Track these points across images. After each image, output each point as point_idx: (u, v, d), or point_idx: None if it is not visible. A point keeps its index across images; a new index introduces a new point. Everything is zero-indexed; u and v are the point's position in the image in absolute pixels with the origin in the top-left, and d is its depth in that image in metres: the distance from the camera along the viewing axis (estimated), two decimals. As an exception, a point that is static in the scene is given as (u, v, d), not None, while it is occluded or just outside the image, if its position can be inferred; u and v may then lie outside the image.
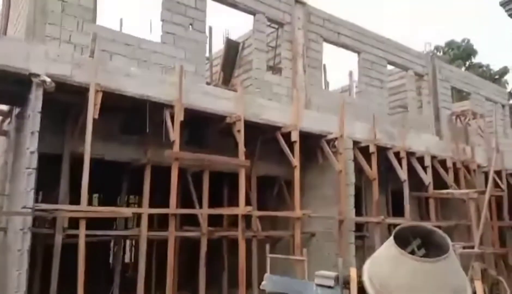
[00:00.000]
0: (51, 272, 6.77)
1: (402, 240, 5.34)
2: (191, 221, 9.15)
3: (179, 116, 7.32)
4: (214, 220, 9.32)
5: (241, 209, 7.86)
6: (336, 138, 9.64)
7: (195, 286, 8.80)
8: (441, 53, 22.12)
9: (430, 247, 5.39)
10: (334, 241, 9.78)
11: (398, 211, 12.06)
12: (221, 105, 8.20)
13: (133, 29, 9.69)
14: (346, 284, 5.47)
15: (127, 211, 6.96)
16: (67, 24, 8.08)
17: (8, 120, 7.94)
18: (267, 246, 7.97)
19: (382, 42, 14.04)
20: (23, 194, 5.86)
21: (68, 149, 7.18)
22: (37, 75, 6.17)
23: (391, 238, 5.24)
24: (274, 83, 11.00)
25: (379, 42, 13.95)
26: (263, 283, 5.09)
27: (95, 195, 14.30)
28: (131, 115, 8.08)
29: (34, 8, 7.87)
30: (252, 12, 11.13)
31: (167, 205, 8.19)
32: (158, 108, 7.56)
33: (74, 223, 7.17)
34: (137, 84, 7.24)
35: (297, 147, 8.86)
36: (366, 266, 5.60)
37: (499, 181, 13.36)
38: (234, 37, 14.32)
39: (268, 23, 11.50)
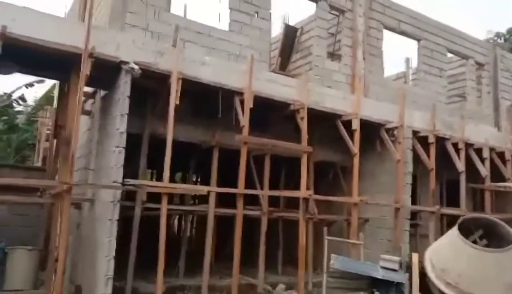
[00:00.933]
0: (127, 242, 7.53)
1: (465, 230, 5.61)
2: (249, 201, 9.68)
3: (249, 103, 7.77)
4: (271, 202, 9.80)
5: (303, 192, 8.28)
6: (396, 127, 9.80)
7: (254, 262, 9.40)
8: (503, 40, 21.24)
9: (493, 238, 5.63)
10: (387, 228, 10.05)
11: (451, 201, 12.10)
12: (285, 92, 8.57)
13: (197, 16, 10.09)
14: (408, 268, 5.80)
15: (202, 189, 7.55)
16: (145, 13, 8.68)
17: (91, 101, 8.68)
18: (325, 229, 8.40)
19: (443, 30, 13.83)
20: (113, 170, 6.54)
21: (148, 130, 7.82)
22: (127, 63, 6.77)
23: (455, 227, 5.53)
24: (334, 70, 11.23)
25: (440, 29, 13.75)
26: (331, 261, 5.51)
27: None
28: (201, 99, 8.61)
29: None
30: (316, 0, 11.33)
31: (228, 185, 8.76)
32: (228, 94, 8.04)
33: (149, 198, 7.83)
34: (211, 72, 7.73)
35: (357, 135, 9.12)
36: (428, 253, 5.94)
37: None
38: (292, 22, 14.53)
39: (330, 10, 11.65)
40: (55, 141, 8.65)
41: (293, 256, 9.46)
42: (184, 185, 7.67)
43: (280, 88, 8.51)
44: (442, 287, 5.35)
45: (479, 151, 11.60)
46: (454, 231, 5.45)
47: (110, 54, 6.71)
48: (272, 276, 9.78)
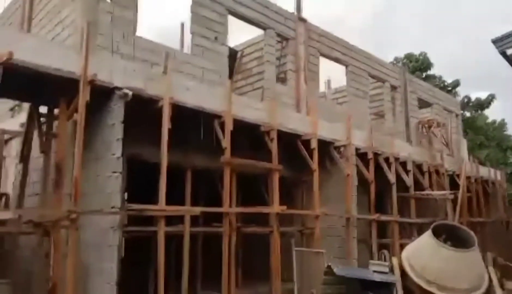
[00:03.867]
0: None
1: (435, 235, 6.73)
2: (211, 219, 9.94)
3: (229, 126, 8.23)
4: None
5: (276, 208, 8.93)
6: (343, 145, 10.96)
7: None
8: (401, 64, 24.27)
9: (456, 240, 6.83)
10: (337, 236, 11.12)
11: (380, 209, 13.67)
12: (256, 115, 9.19)
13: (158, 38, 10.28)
14: (391, 270, 6.75)
15: (196, 210, 7.76)
16: (114, 35, 8.71)
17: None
18: (292, 240, 9.15)
19: (366, 57, 15.64)
20: (111, 195, 6.55)
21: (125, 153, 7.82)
22: (121, 89, 6.83)
23: (430, 232, 6.63)
24: (282, 93, 12.14)
25: (363, 56, 15.54)
26: (335, 269, 6.21)
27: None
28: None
29: (86, 19, 8.41)
30: (264, 28, 12.19)
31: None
32: (207, 118, 8.42)
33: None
34: (193, 96, 8.05)
35: (315, 153, 10.06)
36: (405, 255, 6.96)
37: (460, 184, 15.46)
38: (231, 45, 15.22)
39: (277, 38, 12.59)
40: (21, 166, 8.14)
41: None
42: (179, 207, 7.77)
43: (251, 111, 9.10)
44: (423, 284, 6.36)
45: (403, 164, 13.34)
46: (429, 236, 6.53)
47: (105, 80, 6.73)
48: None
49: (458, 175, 15.86)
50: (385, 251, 7.12)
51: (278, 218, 9.09)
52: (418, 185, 13.74)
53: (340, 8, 72.86)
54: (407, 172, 13.26)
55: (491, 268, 6.77)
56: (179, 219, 7.95)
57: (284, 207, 8.99)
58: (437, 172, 14.70)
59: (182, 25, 14.28)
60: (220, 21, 10.88)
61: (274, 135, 9.14)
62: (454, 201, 13.51)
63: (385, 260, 6.79)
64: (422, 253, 6.66)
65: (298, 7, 13.30)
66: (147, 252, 10.17)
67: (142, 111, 7.43)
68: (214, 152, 9.20)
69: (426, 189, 13.69)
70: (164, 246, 7.08)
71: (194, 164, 9.11)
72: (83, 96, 6.20)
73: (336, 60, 14.47)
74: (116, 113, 6.82)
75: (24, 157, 7.88)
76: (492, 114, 28.12)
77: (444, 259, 6.37)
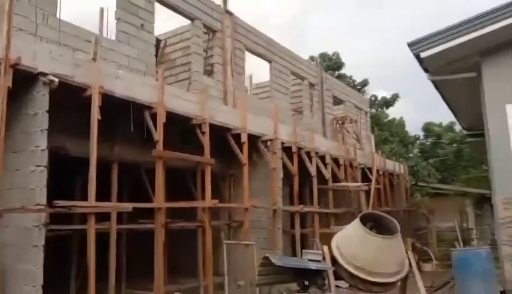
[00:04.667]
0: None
1: (362, 223, 7.19)
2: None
3: (162, 118, 7.97)
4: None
5: (207, 202, 8.86)
6: (270, 139, 11.20)
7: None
8: (315, 63, 25.39)
9: (380, 227, 7.37)
10: (262, 228, 11.36)
11: (301, 201, 14.24)
12: (187, 107, 9.01)
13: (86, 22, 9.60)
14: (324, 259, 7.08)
15: (128, 206, 7.35)
16: (33, 17, 7.98)
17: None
18: (222, 234, 9.19)
19: (287, 54, 16.11)
20: (35, 191, 6.00)
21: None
22: (46, 74, 6.27)
23: (358, 221, 7.07)
24: (210, 85, 12.05)
25: (285, 54, 15.98)
26: (273, 259, 6.34)
27: None
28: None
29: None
30: (191, 18, 11.98)
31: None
32: (137, 108, 8.06)
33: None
34: (123, 85, 7.65)
35: (245, 147, 10.15)
36: (334, 243, 7.35)
37: (370, 176, 16.68)
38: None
39: (204, 30, 12.43)
40: None
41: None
42: (110, 204, 7.32)
43: (182, 103, 8.90)
44: (351, 270, 6.78)
45: (322, 158, 14.01)
46: (357, 224, 6.96)
47: (27, 65, 6.12)
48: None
49: (369, 168, 17.08)
50: (317, 240, 7.45)
51: (210, 212, 9.03)
52: (334, 178, 14.54)
53: (262, 5, 74.24)
54: (325, 165, 13.94)
55: (410, 253, 7.43)
56: (103, 216, 7.52)
57: (216, 201, 8.97)
58: (351, 165, 15.67)
59: (102, 10, 13.47)
60: (146, 8, 10.47)
61: (206, 128, 9.05)
62: (367, 192, 14.54)
63: (316, 249, 7.11)
64: (351, 241, 7.08)
65: (225, 0, 13.27)
66: (64, 250, 9.54)
67: (65, 100, 6.90)
68: (142, 145, 8.88)
69: (342, 181, 14.53)
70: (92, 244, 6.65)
71: (120, 157, 8.69)
72: (5, 81, 5.58)
73: (261, 55, 14.72)
74: (40, 101, 6.24)
75: None
76: (396, 112, 30.76)
77: (371, 245, 6.83)
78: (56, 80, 6.33)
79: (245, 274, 9.62)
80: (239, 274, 10.12)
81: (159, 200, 7.81)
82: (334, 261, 7.12)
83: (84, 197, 7.00)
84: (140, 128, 8.41)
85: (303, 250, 7.11)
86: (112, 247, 7.78)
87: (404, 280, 7.21)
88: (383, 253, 6.83)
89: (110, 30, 10.84)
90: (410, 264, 7.17)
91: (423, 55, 8.85)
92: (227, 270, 8.90)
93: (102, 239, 7.84)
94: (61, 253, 9.26)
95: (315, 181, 13.06)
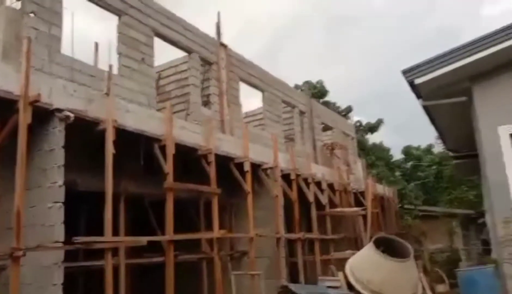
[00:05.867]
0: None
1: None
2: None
3: (171, 150, 8.02)
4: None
5: (216, 232, 8.84)
6: (271, 167, 11.31)
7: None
8: (300, 91, 25.90)
9: (392, 251, 7.49)
10: (265, 256, 11.31)
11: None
12: (193, 138, 9.09)
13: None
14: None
15: (142, 239, 7.26)
16: (39, 52, 8.03)
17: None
18: (229, 265, 9.14)
19: (279, 83, 16.46)
20: (53, 228, 5.93)
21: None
22: (61, 110, 6.30)
23: (372, 245, 7.19)
24: (207, 116, 12.17)
25: (277, 83, 16.33)
26: (293, 288, 6.36)
27: None
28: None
29: (9, 33, 7.66)
30: (189, 51, 12.20)
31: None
32: (147, 141, 8.10)
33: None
34: (133, 119, 7.71)
35: (249, 176, 10.23)
36: (348, 269, 7.42)
37: (363, 201, 16.90)
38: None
39: (201, 62, 12.65)
40: None
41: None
42: (127, 238, 7.24)
43: (189, 134, 8.98)
44: (368, 294, 6.86)
45: (318, 184, 14.16)
46: (371, 249, 7.08)
47: (44, 101, 6.14)
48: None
49: (361, 193, 17.31)
50: (332, 267, 7.51)
51: (218, 243, 8.99)
52: (331, 203, 14.66)
53: (233, 35, 75.56)
54: (322, 191, 14.08)
55: (421, 275, 7.56)
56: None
57: (225, 232, 8.95)
58: (345, 190, 15.86)
59: (96, 44, 13.57)
60: (147, 43, 10.65)
61: (212, 158, 9.12)
62: (364, 217, 14.70)
63: (333, 275, 7.16)
64: (366, 266, 7.18)
65: (218, 33, 13.58)
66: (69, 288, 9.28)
67: (78, 135, 6.90)
68: (145, 177, 8.88)
69: (337, 206, 14.66)
70: (111, 279, 6.55)
71: (127, 190, 8.64)
72: (25, 118, 5.58)
73: (254, 86, 14.99)
74: (56, 137, 6.25)
75: None
76: (380, 137, 31.31)
77: (387, 269, 6.94)
78: (72, 115, 6.37)
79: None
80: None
81: (170, 233, 7.75)
82: (350, 286, 7.20)
83: (90, 231, 6.92)
84: (144, 161, 8.44)
85: (319, 277, 7.15)
86: (121, 282, 7.67)
87: (420, 302, 7.33)
88: (398, 276, 6.94)
89: (103, 62, 10.88)
90: (423, 287, 7.29)
91: (417, 81, 9.22)
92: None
93: (96, 275, 7.71)
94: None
95: (313, 207, 13.16)
